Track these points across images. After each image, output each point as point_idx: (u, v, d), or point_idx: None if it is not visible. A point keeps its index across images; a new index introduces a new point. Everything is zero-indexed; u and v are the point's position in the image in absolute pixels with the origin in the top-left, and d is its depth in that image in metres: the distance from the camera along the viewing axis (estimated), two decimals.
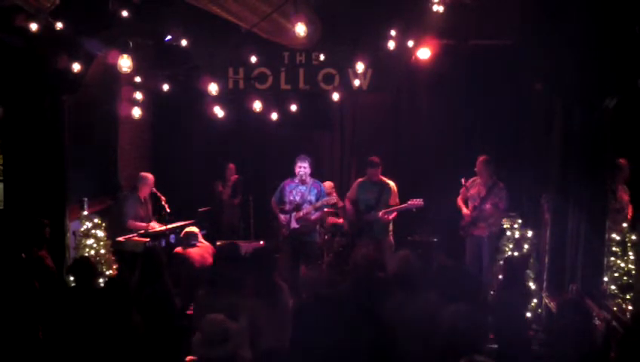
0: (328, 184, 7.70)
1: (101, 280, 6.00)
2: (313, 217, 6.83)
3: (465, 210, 6.89)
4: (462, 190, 6.98)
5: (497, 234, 6.49)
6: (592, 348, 3.28)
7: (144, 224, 6.92)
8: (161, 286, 4.55)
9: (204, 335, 3.37)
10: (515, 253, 6.08)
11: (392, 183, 6.90)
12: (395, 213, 6.82)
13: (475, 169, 6.85)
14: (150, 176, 7.14)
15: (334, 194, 7.50)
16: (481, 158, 6.80)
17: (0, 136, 6.51)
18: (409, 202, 6.73)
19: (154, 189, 7.13)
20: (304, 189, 6.91)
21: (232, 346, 3.34)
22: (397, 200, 6.85)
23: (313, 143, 8.77)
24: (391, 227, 6.95)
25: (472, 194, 6.86)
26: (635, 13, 4.35)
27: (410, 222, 7.28)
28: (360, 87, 7.35)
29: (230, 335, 3.37)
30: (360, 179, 7.07)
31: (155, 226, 6.95)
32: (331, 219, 7.77)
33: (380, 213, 6.73)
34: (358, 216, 6.93)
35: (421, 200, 6.67)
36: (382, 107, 8.58)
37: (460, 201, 7.00)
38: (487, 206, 6.67)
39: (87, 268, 4.65)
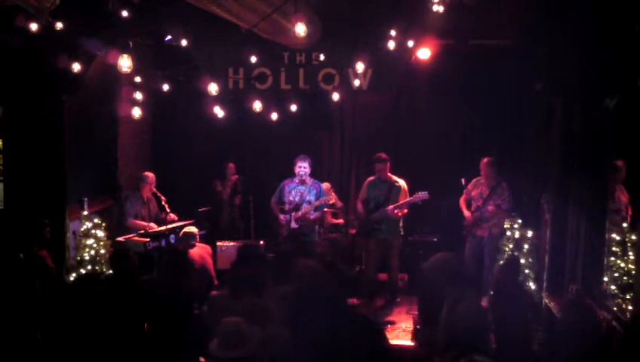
0: (326, 185, 7.70)
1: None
2: (312, 217, 6.83)
3: (466, 212, 6.89)
4: (465, 190, 6.99)
5: (499, 235, 6.49)
6: (593, 349, 3.28)
7: (144, 223, 6.93)
8: (180, 286, 4.53)
9: (220, 337, 3.28)
10: (506, 255, 6.10)
11: (402, 182, 6.88)
12: (406, 210, 6.79)
13: (482, 173, 6.86)
14: (150, 175, 7.17)
15: (333, 195, 7.49)
16: (485, 160, 6.81)
17: (0, 136, 6.51)
18: (415, 195, 6.72)
19: (154, 189, 7.15)
20: (303, 189, 6.92)
21: (248, 350, 3.23)
22: (407, 199, 6.83)
23: (313, 143, 8.77)
24: (402, 228, 6.96)
25: (474, 195, 6.88)
26: (635, 13, 4.35)
27: (410, 222, 7.28)
28: (360, 87, 7.34)
29: (247, 338, 3.27)
30: (370, 178, 7.05)
31: (155, 226, 6.97)
32: (329, 218, 7.76)
33: (390, 208, 6.72)
34: (367, 215, 6.93)
35: (426, 192, 6.66)
36: (382, 107, 8.58)
37: (462, 202, 7.01)
38: (490, 207, 6.68)
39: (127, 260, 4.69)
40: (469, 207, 6.98)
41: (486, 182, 6.82)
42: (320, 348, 3.18)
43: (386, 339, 3.55)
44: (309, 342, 3.21)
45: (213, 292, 5.13)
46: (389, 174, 6.90)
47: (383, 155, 6.89)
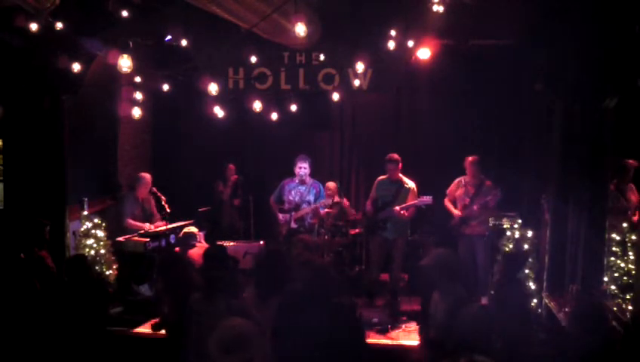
0: (332, 184, 7.70)
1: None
2: (322, 212, 6.88)
3: (455, 211, 6.88)
4: (448, 191, 7.00)
5: (492, 231, 6.49)
6: (594, 349, 3.28)
7: (141, 224, 6.94)
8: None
9: (219, 341, 3.06)
10: (511, 250, 6.10)
11: (411, 183, 6.86)
12: (412, 211, 6.79)
13: (467, 171, 6.87)
14: (147, 176, 7.17)
15: (336, 196, 7.46)
16: (470, 158, 6.82)
17: (0, 136, 6.51)
18: (419, 199, 6.73)
19: (154, 189, 7.15)
20: (303, 189, 6.94)
21: (250, 353, 3.04)
22: (414, 201, 6.79)
23: (313, 143, 8.76)
24: (408, 230, 6.96)
25: (459, 194, 6.88)
26: (635, 13, 4.35)
27: (410, 221, 7.27)
28: (360, 87, 7.35)
29: (249, 341, 3.07)
30: (381, 177, 7.04)
31: (152, 227, 6.96)
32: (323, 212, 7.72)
33: (396, 209, 6.72)
34: (375, 213, 6.93)
35: (430, 197, 6.66)
36: (382, 107, 8.57)
37: (447, 203, 7.00)
38: (476, 206, 6.69)
39: (82, 265, 4.64)
40: (454, 207, 6.98)
41: (471, 181, 6.83)
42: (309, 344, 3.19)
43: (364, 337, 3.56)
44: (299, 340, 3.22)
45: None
46: (400, 175, 6.89)
47: (395, 156, 6.85)
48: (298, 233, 6.84)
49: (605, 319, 3.40)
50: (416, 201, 6.70)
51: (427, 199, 6.65)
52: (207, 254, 4.87)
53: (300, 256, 4.79)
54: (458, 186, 6.93)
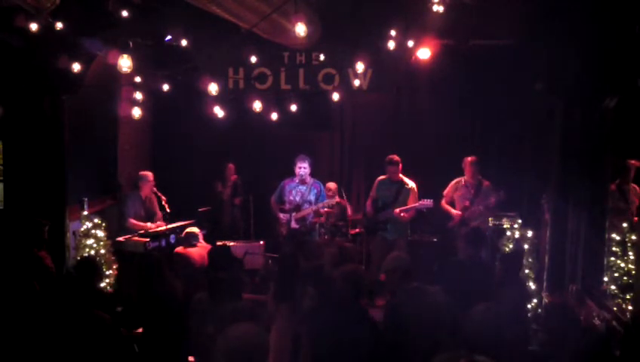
0: (333, 185, 7.69)
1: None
2: (323, 211, 6.91)
3: (454, 211, 6.87)
4: (445, 192, 6.98)
5: (492, 231, 6.49)
6: (588, 348, 3.28)
7: (143, 224, 6.95)
8: (164, 288, 4.49)
9: (228, 348, 2.83)
10: (507, 249, 6.10)
11: (412, 184, 6.86)
12: (412, 213, 6.78)
13: (466, 172, 6.85)
14: (150, 174, 7.19)
15: (337, 196, 7.47)
16: (469, 159, 6.81)
17: (0, 136, 6.50)
18: (420, 202, 6.72)
19: (154, 189, 7.16)
20: (304, 189, 6.93)
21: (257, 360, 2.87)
22: (415, 204, 6.79)
23: (313, 143, 8.76)
24: (408, 230, 6.95)
25: (458, 196, 6.88)
26: (635, 13, 4.35)
27: (410, 221, 7.27)
28: (360, 87, 7.35)
29: (260, 348, 2.87)
30: (381, 177, 7.04)
31: (153, 226, 6.96)
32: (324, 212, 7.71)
33: (396, 211, 6.71)
34: (375, 213, 6.92)
35: (431, 201, 6.65)
36: (382, 107, 8.58)
37: (444, 204, 6.98)
38: (476, 207, 6.68)
39: (92, 268, 4.62)
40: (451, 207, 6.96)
41: (470, 182, 6.82)
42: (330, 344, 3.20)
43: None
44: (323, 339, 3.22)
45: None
46: (401, 175, 6.89)
47: (395, 157, 6.85)
48: (299, 233, 6.85)
49: (577, 322, 3.40)
50: (416, 204, 6.70)
51: (428, 202, 6.65)
52: (212, 255, 4.84)
53: (335, 257, 4.80)
54: (457, 187, 6.92)
